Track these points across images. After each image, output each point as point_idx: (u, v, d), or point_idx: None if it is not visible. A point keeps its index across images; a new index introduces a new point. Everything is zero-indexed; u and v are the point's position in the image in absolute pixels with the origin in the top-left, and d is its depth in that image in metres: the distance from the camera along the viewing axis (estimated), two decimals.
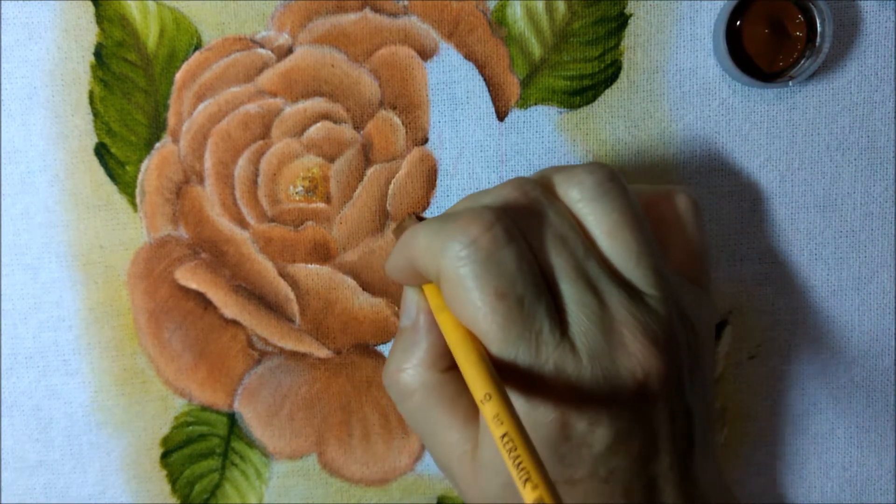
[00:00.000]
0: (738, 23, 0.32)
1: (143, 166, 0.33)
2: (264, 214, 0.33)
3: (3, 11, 0.32)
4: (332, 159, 0.33)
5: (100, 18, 0.32)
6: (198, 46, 0.32)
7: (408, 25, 0.33)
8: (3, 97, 0.32)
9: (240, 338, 0.34)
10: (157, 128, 0.33)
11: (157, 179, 0.33)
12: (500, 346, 0.24)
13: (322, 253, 0.33)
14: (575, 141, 0.33)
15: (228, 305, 0.33)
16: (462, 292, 0.24)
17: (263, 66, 0.33)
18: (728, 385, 0.34)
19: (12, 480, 0.34)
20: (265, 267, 0.33)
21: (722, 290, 0.34)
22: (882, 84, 0.33)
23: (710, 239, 0.34)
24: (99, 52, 0.32)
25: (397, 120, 0.33)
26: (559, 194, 0.27)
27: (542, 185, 0.27)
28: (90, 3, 0.32)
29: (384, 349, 0.34)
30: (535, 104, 0.33)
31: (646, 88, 0.33)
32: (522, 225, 0.25)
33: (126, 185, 0.33)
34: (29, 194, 0.33)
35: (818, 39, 0.31)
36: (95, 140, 0.33)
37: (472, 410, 0.27)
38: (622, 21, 0.33)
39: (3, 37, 0.32)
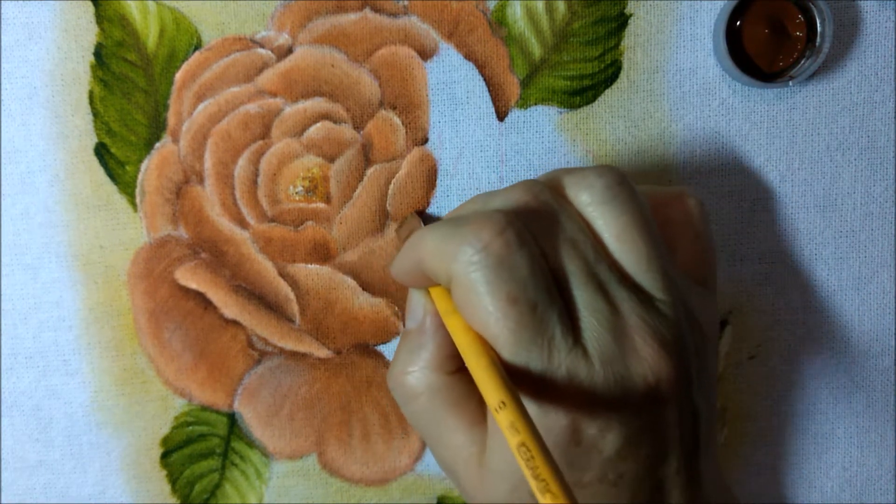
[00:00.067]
0: (738, 23, 0.32)
1: (143, 166, 0.33)
2: (264, 214, 0.33)
3: (3, 11, 0.32)
4: (332, 159, 0.33)
5: (100, 18, 0.32)
6: (198, 46, 0.32)
7: (408, 25, 0.33)
8: (3, 97, 0.32)
9: (240, 338, 0.34)
10: (157, 128, 0.33)
11: (157, 179, 0.33)
12: (512, 351, 0.24)
13: (322, 253, 0.33)
14: (575, 141, 0.33)
15: (228, 305, 0.33)
16: (474, 297, 0.24)
17: (263, 66, 0.33)
18: (728, 385, 0.34)
19: (12, 480, 0.34)
20: (265, 267, 0.33)
21: (722, 290, 0.34)
22: (882, 84, 0.33)
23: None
24: (99, 52, 0.32)
25: (397, 120, 0.33)
26: (569, 197, 0.27)
27: (552, 188, 0.27)
28: (90, 3, 0.32)
29: (384, 349, 0.34)
30: (535, 104, 0.33)
31: (646, 88, 0.33)
32: (533, 229, 0.25)
33: (126, 185, 0.33)
34: (29, 194, 0.33)
35: (818, 39, 0.31)
36: (95, 140, 0.33)
37: (479, 413, 0.27)
38: (622, 21, 0.33)
39: (3, 37, 0.32)
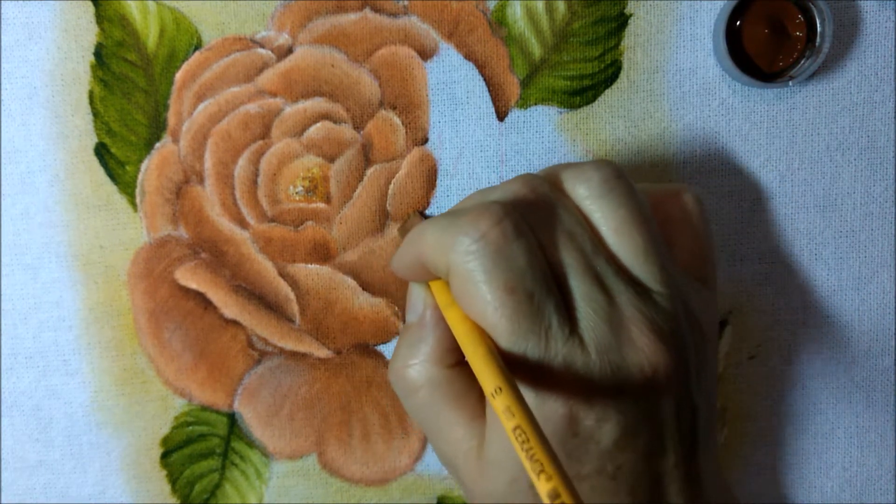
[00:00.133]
0: (738, 23, 0.32)
1: (143, 166, 0.33)
2: (264, 214, 0.33)
3: (3, 11, 0.32)
4: (332, 159, 0.33)
5: (100, 18, 0.32)
6: (198, 46, 0.32)
7: (408, 25, 0.33)
8: (3, 97, 0.32)
9: (240, 338, 0.34)
10: (157, 128, 0.33)
11: (157, 179, 0.33)
12: (510, 339, 0.24)
13: (322, 253, 0.33)
14: (575, 141, 0.33)
15: (228, 305, 0.33)
16: (471, 287, 0.24)
17: (263, 66, 0.33)
18: (728, 385, 0.34)
19: (12, 480, 0.34)
20: (265, 267, 0.33)
21: (722, 290, 0.34)
22: (882, 84, 0.33)
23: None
24: (99, 52, 0.32)
25: (397, 120, 0.33)
26: (566, 190, 0.27)
27: (550, 181, 0.27)
28: (90, 3, 0.32)
29: (384, 349, 0.34)
30: (535, 104, 0.33)
31: (646, 88, 0.33)
32: (531, 220, 0.25)
33: (126, 185, 0.33)
34: (29, 194, 0.33)
35: (818, 39, 0.31)
36: (95, 140, 0.33)
37: (479, 407, 0.27)
38: (622, 21, 0.33)
39: (3, 37, 0.32)
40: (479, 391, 0.27)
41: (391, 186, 0.33)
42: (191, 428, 0.34)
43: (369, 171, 0.33)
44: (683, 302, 0.26)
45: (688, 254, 0.29)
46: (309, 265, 0.33)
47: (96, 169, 0.33)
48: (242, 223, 0.33)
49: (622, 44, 0.33)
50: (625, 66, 0.33)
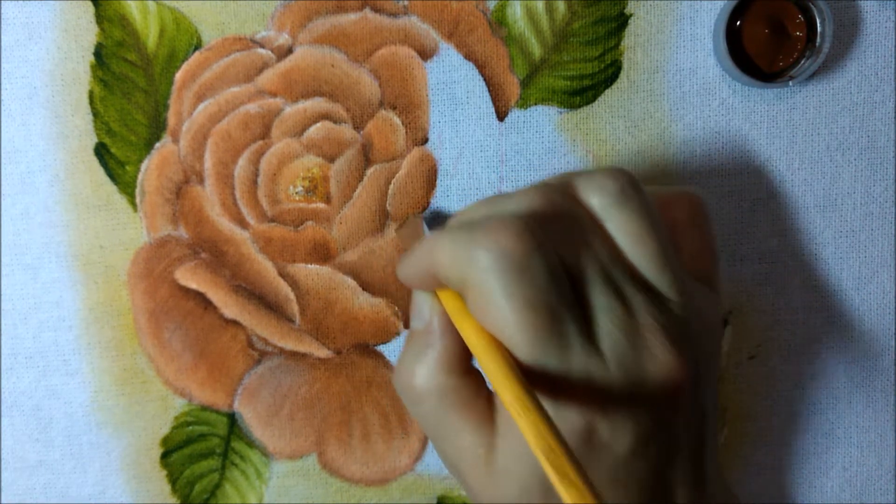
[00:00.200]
0: (738, 23, 0.32)
1: (143, 166, 0.33)
2: (264, 214, 0.33)
3: (3, 11, 0.32)
4: (332, 159, 0.33)
5: (100, 18, 0.32)
6: (198, 46, 0.32)
7: (408, 25, 0.33)
8: (3, 97, 0.32)
9: (240, 338, 0.34)
10: (157, 128, 0.33)
11: (157, 179, 0.33)
12: (530, 354, 0.24)
13: (322, 253, 0.33)
14: (575, 141, 0.33)
15: (228, 305, 0.33)
16: (490, 302, 0.24)
17: (263, 66, 0.33)
18: (728, 385, 0.34)
19: (12, 480, 0.34)
20: (265, 267, 0.33)
21: (722, 289, 0.34)
22: (882, 84, 0.33)
23: None
24: (99, 52, 0.32)
25: (397, 120, 0.33)
26: (581, 199, 0.27)
27: (563, 190, 0.27)
28: (90, 3, 0.32)
29: (384, 349, 0.34)
30: (535, 104, 0.33)
31: (646, 88, 0.33)
32: (549, 232, 0.25)
33: (126, 185, 0.33)
34: (29, 194, 0.33)
35: (818, 39, 0.31)
36: (95, 140, 0.33)
37: (486, 413, 0.26)
38: (622, 21, 0.33)
39: (3, 37, 0.32)
40: (486, 398, 0.27)
41: (391, 186, 0.33)
42: (191, 428, 0.34)
43: (369, 171, 0.33)
44: (695, 308, 0.26)
45: (693, 256, 0.29)
46: (309, 265, 0.33)
47: (96, 169, 0.33)
48: (242, 223, 0.33)
49: (622, 44, 0.33)
50: (625, 66, 0.33)
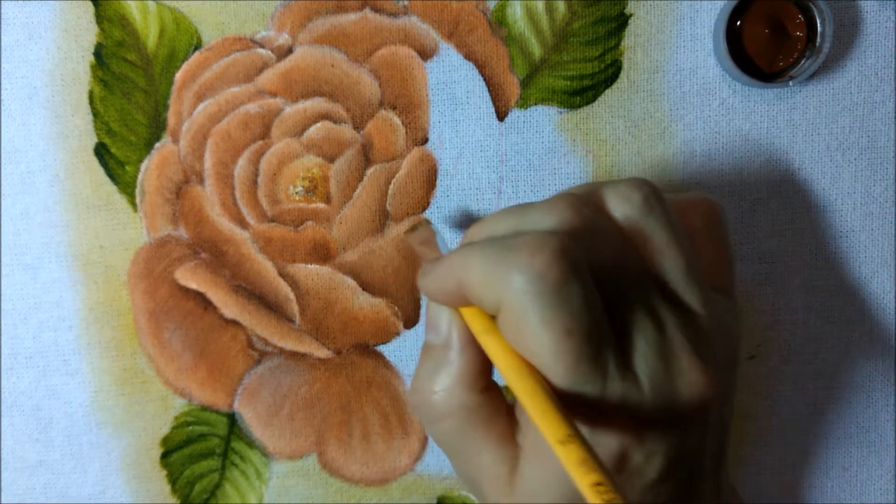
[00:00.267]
0: (738, 23, 0.32)
1: (143, 166, 0.33)
2: (264, 214, 0.33)
3: (3, 11, 0.32)
4: (332, 159, 0.33)
5: (100, 18, 0.32)
6: (198, 46, 0.32)
7: (408, 25, 0.33)
8: (3, 97, 0.32)
9: (240, 338, 0.34)
10: (157, 128, 0.33)
11: (157, 179, 0.33)
12: (566, 381, 0.23)
13: (322, 253, 0.33)
14: (575, 141, 0.33)
15: (228, 305, 0.33)
16: (526, 327, 0.23)
17: (263, 66, 0.33)
18: None
19: (12, 480, 0.34)
20: (265, 267, 0.33)
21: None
22: (882, 84, 0.33)
23: None
24: (99, 52, 0.32)
25: (397, 120, 0.33)
26: (608, 211, 0.26)
27: (592, 202, 0.26)
28: (90, 3, 0.32)
29: (384, 349, 0.34)
30: (535, 104, 0.33)
31: (646, 88, 0.33)
32: (582, 249, 0.24)
33: (126, 185, 0.33)
34: (29, 194, 0.33)
35: (818, 39, 0.31)
36: (95, 140, 0.33)
37: (507, 431, 0.26)
38: (622, 21, 0.33)
39: (3, 37, 0.32)
40: (506, 414, 0.26)
41: (391, 186, 0.33)
42: (191, 428, 0.34)
43: (369, 171, 0.33)
44: (719, 321, 0.26)
45: (710, 264, 0.28)
46: (309, 265, 0.33)
47: (96, 169, 0.33)
48: (242, 223, 0.33)
49: (622, 44, 0.33)
50: (625, 66, 0.33)
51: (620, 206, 0.26)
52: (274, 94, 0.33)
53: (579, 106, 0.33)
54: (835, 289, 0.34)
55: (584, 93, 0.33)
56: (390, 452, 0.34)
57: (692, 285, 0.25)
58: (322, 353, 0.34)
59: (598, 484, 0.21)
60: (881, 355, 0.34)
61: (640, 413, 0.23)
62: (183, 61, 0.32)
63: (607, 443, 0.23)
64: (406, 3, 0.32)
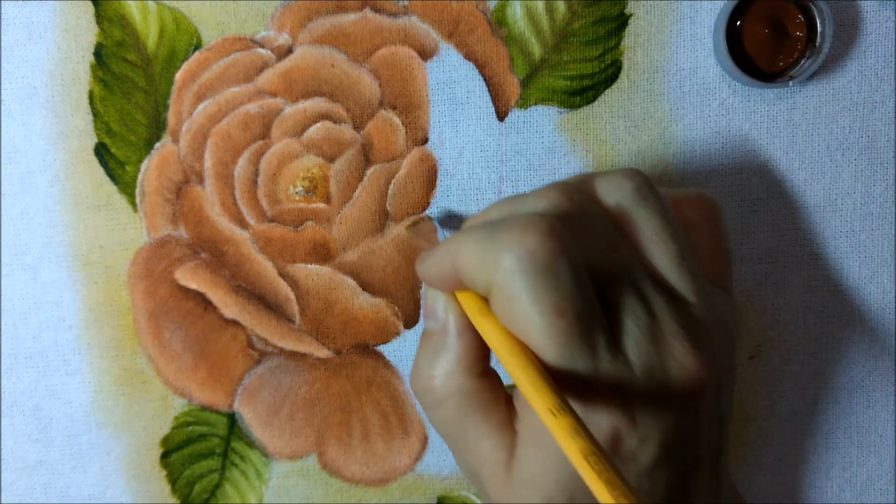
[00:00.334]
0: (738, 23, 0.32)
1: (143, 166, 0.33)
2: (264, 214, 0.33)
3: (3, 11, 0.32)
4: (332, 159, 0.33)
5: (100, 18, 0.32)
6: (198, 46, 0.32)
7: (408, 25, 0.33)
8: (3, 97, 0.32)
9: (240, 338, 0.34)
10: (157, 128, 0.33)
11: (157, 179, 0.33)
12: (556, 360, 0.23)
13: (322, 253, 0.33)
14: (575, 141, 0.33)
15: (228, 305, 0.33)
16: (517, 306, 0.23)
17: (263, 66, 0.33)
18: None
19: (12, 480, 0.34)
20: (265, 267, 0.33)
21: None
22: (882, 84, 0.33)
23: None
24: (99, 52, 0.32)
25: (397, 120, 0.33)
26: (599, 199, 0.26)
27: (583, 190, 0.26)
28: (90, 3, 0.32)
29: (384, 349, 0.34)
30: (535, 104, 0.33)
31: (646, 88, 0.33)
32: (572, 231, 0.24)
33: (126, 185, 0.33)
34: (29, 194, 0.33)
35: (818, 39, 0.31)
36: (95, 140, 0.33)
37: (506, 417, 0.26)
38: (622, 21, 0.33)
39: (3, 37, 0.32)
40: (505, 401, 0.26)
41: (391, 186, 0.33)
42: (191, 428, 0.34)
43: (369, 171, 0.33)
44: (714, 311, 0.26)
45: (707, 258, 0.29)
46: (309, 265, 0.33)
47: (96, 169, 0.33)
48: (242, 223, 0.33)
49: (622, 44, 0.33)
50: (625, 66, 0.33)
51: (612, 194, 0.26)
52: (274, 94, 0.33)
53: (579, 106, 0.33)
54: (835, 289, 0.34)
55: (584, 93, 0.33)
56: (390, 452, 0.34)
57: (684, 274, 0.25)
58: (322, 353, 0.34)
59: (591, 454, 0.21)
60: (881, 355, 0.34)
61: (631, 394, 0.24)
62: (183, 61, 0.32)
63: (599, 421, 0.23)
64: (406, 3, 0.32)
